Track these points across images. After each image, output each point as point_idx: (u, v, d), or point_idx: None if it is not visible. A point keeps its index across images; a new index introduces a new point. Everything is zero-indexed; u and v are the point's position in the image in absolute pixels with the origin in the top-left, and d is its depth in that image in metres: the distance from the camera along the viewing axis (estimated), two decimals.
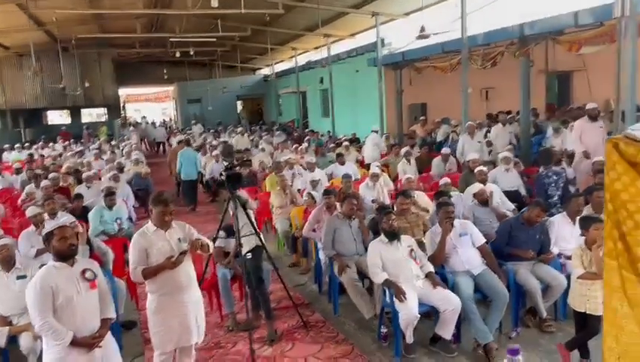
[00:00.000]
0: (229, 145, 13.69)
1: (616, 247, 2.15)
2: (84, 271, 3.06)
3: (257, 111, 31.46)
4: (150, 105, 40.62)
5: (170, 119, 34.22)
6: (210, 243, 3.73)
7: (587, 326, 3.88)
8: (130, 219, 8.05)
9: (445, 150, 9.73)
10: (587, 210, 5.15)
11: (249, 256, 4.74)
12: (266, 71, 29.68)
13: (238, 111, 30.22)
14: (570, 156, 9.32)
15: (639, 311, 2.09)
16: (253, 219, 4.71)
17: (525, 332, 4.60)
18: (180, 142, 13.08)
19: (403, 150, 9.82)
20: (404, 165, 9.20)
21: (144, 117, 28.39)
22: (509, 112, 13.91)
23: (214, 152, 11.84)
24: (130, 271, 3.46)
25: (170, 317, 3.45)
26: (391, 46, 15.02)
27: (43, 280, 2.95)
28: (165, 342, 3.48)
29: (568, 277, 4.39)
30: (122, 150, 15.06)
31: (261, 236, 4.89)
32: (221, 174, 4.45)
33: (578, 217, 4.73)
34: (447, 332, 4.26)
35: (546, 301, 4.64)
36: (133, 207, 9.26)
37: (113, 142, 18.74)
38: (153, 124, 26.34)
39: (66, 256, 3.08)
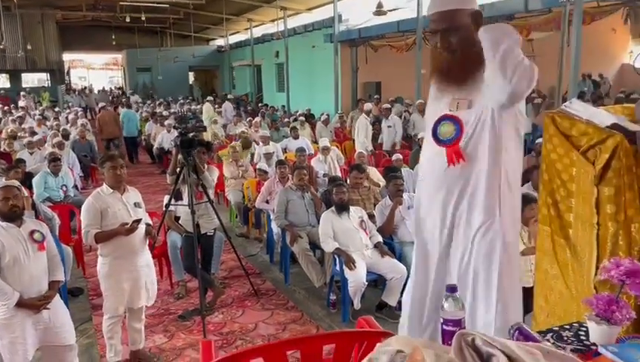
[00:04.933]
0: (183, 114, 13.48)
1: (549, 214, 2.33)
2: (32, 232, 3.00)
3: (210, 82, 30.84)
4: (96, 72, 38.99)
5: (118, 88, 33.02)
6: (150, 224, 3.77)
7: (530, 299, 4.09)
8: (75, 187, 7.85)
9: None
10: (528, 188, 5.44)
11: (210, 233, 4.77)
12: (220, 42, 29.02)
13: (191, 82, 29.49)
14: None
15: (567, 273, 2.29)
16: (209, 193, 4.70)
17: None
18: (102, 107, 13.89)
19: (366, 105, 10.38)
20: (366, 121, 9.47)
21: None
22: None
23: (166, 122, 11.59)
24: (82, 233, 3.41)
25: (122, 280, 3.45)
26: (348, 22, 15.03)
27: None
28: (116, 305, 3.48)
29: None
30: (66, 117, 14.53)
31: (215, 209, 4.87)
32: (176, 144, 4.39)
33: None
34: (393, 299, 4.45)
35: None
36: (79, 176, 9.05)
37: (57, 109, 17.99)
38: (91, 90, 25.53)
39: (7, 217, 3.00)
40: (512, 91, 1.99)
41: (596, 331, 1.34)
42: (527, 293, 4.06)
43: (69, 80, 31.81)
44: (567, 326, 1.50)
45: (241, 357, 1.41)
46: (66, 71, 30.64)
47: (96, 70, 38.64)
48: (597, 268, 2.16)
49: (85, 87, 27.26)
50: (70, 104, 20.86)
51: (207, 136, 11.37)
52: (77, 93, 25.81)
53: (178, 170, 4.47)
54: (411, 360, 0.99)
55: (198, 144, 4.72)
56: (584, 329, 1.46)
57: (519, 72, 1.98)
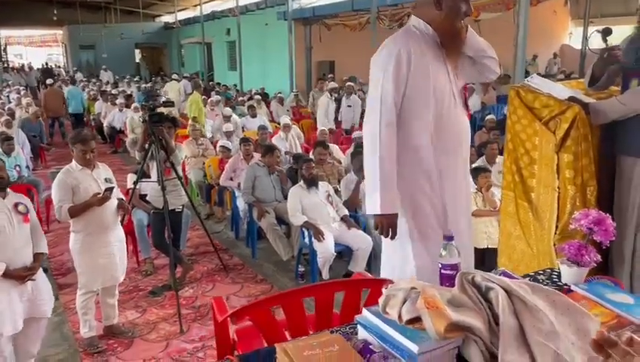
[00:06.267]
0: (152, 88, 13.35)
1: (513, 180, 2.55)
2: (16, 205, 2.96)
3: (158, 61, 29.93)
4: (34, 49, 37.00)
5: (58, 66, 31.48)
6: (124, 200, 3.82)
7: (485, 261, 4.42)
8: (27, 167, 7.60)
9: None
10: (482, 162, 5.77)
11: (179, 209, 4.81)
12: (167, 18, 28.15)
13: (137, 60, 28.53)
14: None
15: (529, 233, 2.52)
16: (177, 169, 4.72)
17: None
18: (50, 85, 13.61)
19: (330, 84, 10.57)
20: (328, 100, 9.71)
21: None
22: None
23: (117, 101, 11.29)
24: (54, 209, 3.38)
25: (96, 256, 3.46)
26: (301, 0, 14.97)
27: None
28: (92, 281, 3.50)
29: None
30: (8, 96, 13.89)
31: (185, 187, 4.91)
32: (144, 120, 4.37)
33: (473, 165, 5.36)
34: (359, 268, 4.63)
35: None
36: (29, 156, 8.74)
37: None
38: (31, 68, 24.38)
39: None
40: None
41: (568, 273, 1.54)
42: (484, 254, 4.41)
43: (6, 57, 30.06)
44: (541, 272, 1.70)
45: (261, 305, 1.51)
46: (2, 48, 28.93)
47: (33, 47, 36.67)
48: (556, 227, 2.40)
49: (24, 65, 25.87)
50: (10, 82, 19.83)
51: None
52: (16, 71, 24.54)
53: (147, 146, 4.45)
54: (424, 294, 1.15)
55: (165, 119, 4.71)
56: (556, 273, 1.67)
57: None
